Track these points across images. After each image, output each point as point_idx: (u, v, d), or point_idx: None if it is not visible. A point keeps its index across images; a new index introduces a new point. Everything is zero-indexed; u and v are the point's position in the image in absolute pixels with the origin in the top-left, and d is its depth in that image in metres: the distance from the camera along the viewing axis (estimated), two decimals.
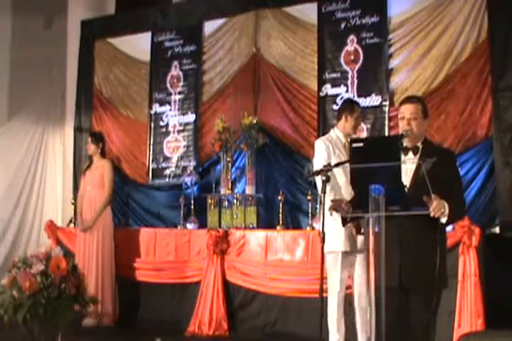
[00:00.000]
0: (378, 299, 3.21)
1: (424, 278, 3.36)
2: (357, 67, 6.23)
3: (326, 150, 4.64)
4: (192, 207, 6.66)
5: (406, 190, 3.32)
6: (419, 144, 3.53)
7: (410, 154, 3.50)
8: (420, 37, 5.92)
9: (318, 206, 5.93)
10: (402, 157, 3.46)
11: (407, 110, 3.55)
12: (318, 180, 4.31)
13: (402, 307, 3.37)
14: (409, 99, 3.68)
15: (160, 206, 7.35)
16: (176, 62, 7.40)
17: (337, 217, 3.61)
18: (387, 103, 5.99)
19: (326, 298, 4.54)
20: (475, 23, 5.64)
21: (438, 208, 3.21)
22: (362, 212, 3.36)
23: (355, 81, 6.23)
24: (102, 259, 6.26)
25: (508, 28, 5.48)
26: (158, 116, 7.48)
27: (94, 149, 6.60)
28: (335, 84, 6.33)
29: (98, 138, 6.67)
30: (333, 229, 4.26)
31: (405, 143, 3.50)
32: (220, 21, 7.16)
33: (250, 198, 6.28)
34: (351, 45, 6.28)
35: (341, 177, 4.51)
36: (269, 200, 6.46)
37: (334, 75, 6.34)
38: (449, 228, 4.65)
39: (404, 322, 3.38)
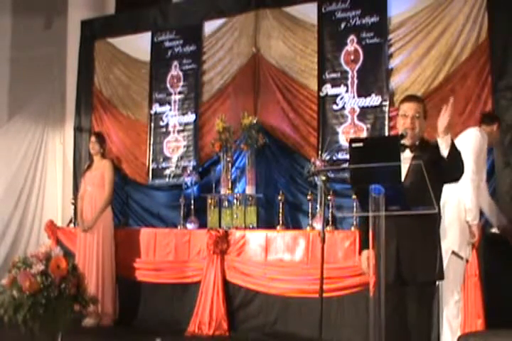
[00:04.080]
0: (378, 297, 3.22)
1: (422, 271, 3.38)
2: (357, 67, 6.23)
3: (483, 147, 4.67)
4: (192, 207, 6.66)
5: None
6: (418, 143, 3.54)
7: (407, 152, 3.50)
8: (420, 37, 5.92)
9: (318, 206, 5.94)
10: (407, 154, 3.48)
11: (410, 108, 3.56)
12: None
13: (399, 304, 3.38)
14: (412, 98, 3.70)
15: (160, 206, 7.35)
16: (176, 62, 7.40)
17: None
18: (387, 103, 5.99)
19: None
20: (475, 23, 5.65)
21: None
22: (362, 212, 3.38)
23: (355, 81, 6.23)
24: (102, 259, 6.26)
25: (508, 28, 5.49)
26: (158, 116, 7.48)
27: (98, 149, 6.60)
28: (335, 84, 6.33)
29: (102, 139, 6.69)
30: None
31: (405, 141, 3.51)
32: (220, 21, 7.16)
33: (250, 198, 6.28)
34: (351, 45, 6.28)
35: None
36: (269, 200, 6.46)
37: (334, 75, 6.34)
38: None
39: (402, 318, 3.39)
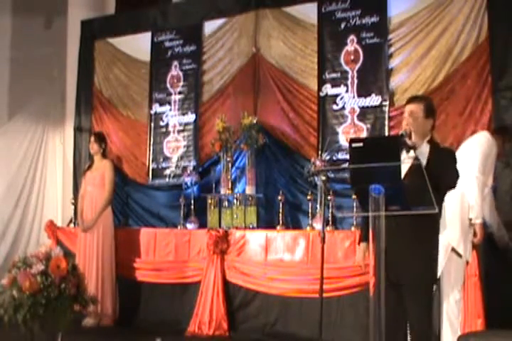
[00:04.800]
0: (378, 297, 3.22)
1: (416, 273, 3.37)
2: (357, 67, 6.23)
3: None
4: (192, 207, 6.66)
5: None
6: (424, 144, 3.52)
7: (412, 152, 3.49)
8: (420, 37, 5.92)
9: (318, 206, 5.94)
10: (404, 154, 3.47)
11: (408, 109, 3.64)
12: None
13: (396, 305, 3.38)
14: (411, 99, 3.76)
15: (160, 206, 7.35)
16: (175, 62, 7.40)
17: None
18: (387, 103, 5.99)
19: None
20: (475, 23, 5.65)
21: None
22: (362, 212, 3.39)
23: (355, 81, 6.23)
24: (102, 259, 6.26)
25: (508, 28, 5.49)
26: (158, 116, 7.48)
27: (96, 148, 6.59)
28: (335, 84, 6.33)
29: (101, 138, 6.67)
30: None
31: (409, 141, 3.50)
32: (220, 21, 7.16)
33: (250, 198, 6.28)
34: (351, 45, 6.28)
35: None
36: (269, 200, 6.46)
37: (334, 75, 6.34)
38: None
39: (400, 319, 3.39)
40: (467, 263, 4.49)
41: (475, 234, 4.49)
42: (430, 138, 3.59)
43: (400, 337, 3.40)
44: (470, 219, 4.47)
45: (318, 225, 5.72)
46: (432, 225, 3.48)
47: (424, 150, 3.44)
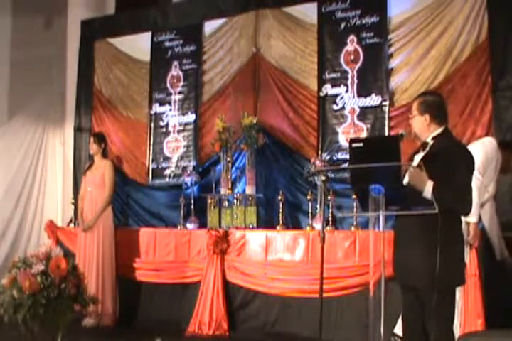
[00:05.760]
0: (378, 297, 3.22)
1: (418, 277, 3.30)
2: (357, 67, 6.24)
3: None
4: (192, 207, 6.66)
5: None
6: (429, 140, 3.44)
7: (422, 151, 3.45)
8: (420, 37, 5.93)
9: (318, 206, 5.94)
10: (420, 155, 3.42)
11: None
12: None
13: (411, 307, 3.35)
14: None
15: (160, 206, 7.35)
16: (176, 62, 7.41)
17: None
18: (387, 103, 6.00)
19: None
20: (475, 23, 5.66)
21: (412, 175, 3.17)
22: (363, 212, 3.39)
23: (355, 81, 6.23)
24: (103, 259, 6.25)
25: (508, 28, 5.50)
26: (158, 116, 7.49)
27: (96, 149, 6.58)
28: (335, 84, 6.33)
29: (100, 138, 6.64)
30: None
31: (418, 141, 3.48)
32: (220, 21, 7.17)
33: (250, 198, 6.28)
34: (351, 45, 6.28)
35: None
36: (269, 200, 6.46)
37: (334, 75, 6.34)
38: None
39: (416, 322, 3.35)
40: (465, 265, 4.46)
41: (469, 233, 4.46)
42: (438, 133, 3.43)
43: (416, 339, 3.35)
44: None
45: (318, 225, 5.72)
46: (452, 227, 3.32)
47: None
